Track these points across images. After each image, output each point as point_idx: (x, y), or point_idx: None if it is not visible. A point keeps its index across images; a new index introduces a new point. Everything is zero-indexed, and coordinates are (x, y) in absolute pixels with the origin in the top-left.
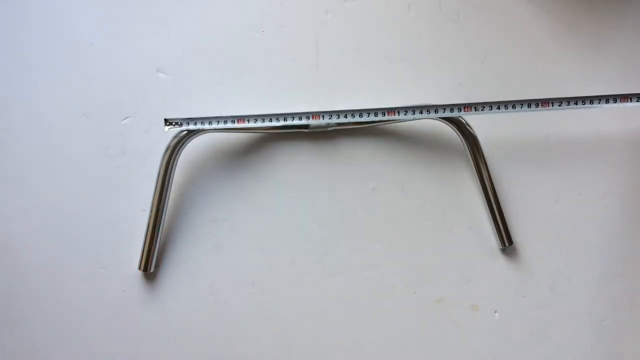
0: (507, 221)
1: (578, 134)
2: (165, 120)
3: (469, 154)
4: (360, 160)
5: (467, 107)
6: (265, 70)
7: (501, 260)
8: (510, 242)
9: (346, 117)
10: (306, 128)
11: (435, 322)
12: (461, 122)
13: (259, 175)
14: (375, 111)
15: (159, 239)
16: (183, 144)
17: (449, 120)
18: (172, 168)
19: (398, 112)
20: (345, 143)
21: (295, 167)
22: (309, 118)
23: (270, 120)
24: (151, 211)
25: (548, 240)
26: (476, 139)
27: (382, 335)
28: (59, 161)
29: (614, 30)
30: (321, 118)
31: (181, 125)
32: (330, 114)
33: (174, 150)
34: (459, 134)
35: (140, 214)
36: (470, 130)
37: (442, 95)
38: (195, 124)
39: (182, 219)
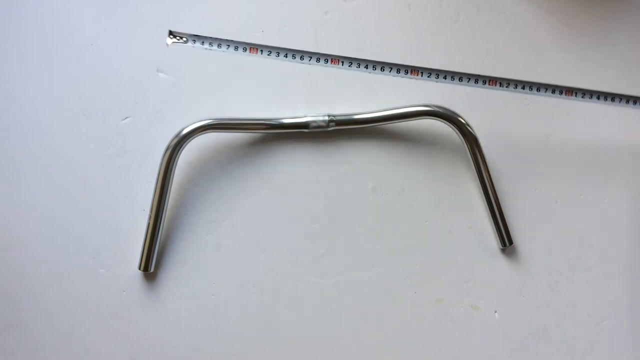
0: (507, 221)
1: (578, 134)
2: (170, 32)
3: (469, 154)
4: (360, 160)
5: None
6: (265, 70)
7: (501, 260)
8: (510, 242)
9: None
10: (306, 128)
11: (435, 322)
12: (461, 122)
13: (259, 175)
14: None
15: (159, 239)
16: (183, 144)
17: (449, 120)
18: (172, 168)
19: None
20: (345, 143)
21: (295, 167)
22: (319, 60)
23: (286, 56)
24: (151, 211)
25: (548, 240)
26: (476, 139)
27: (383, 335)
28: (59, 161)
29: (614, 30)
30: (340, 63)
31: (186, 41)
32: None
33: (174, 150)
34: (459, 134)
35: (140, 214)
36: (470, 130)
37: (442, 95)
38: (203, 43)
39: (182, 219)
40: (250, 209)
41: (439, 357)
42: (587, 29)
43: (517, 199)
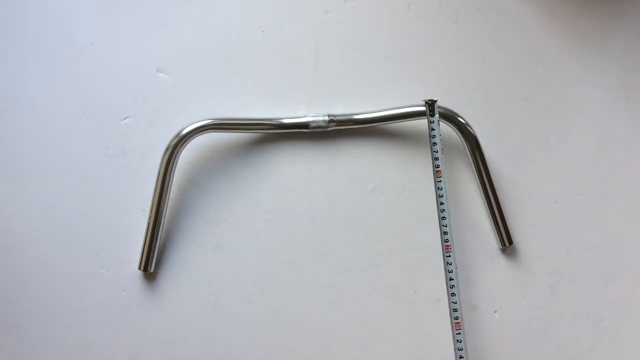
0: (507, 221)
1: (578, 134)
2: None
3: (469, 154)
4: (360, 160)
5: None
6: (265, 70)
7: (501, 260)
8: (510, 242)
9: None
10: (306, 128)
11: (435, 322)
12: (461, 122)
13: (258, 175)
14: None
15: (159, 239)
16: (183, 144)
17: (449, 120)
18: (172, 168)
19: None
20: (345, 143)
21: (295, 167)
22: None
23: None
24: (151, 211)
25: (548, 240)
26: (476, 139)
27: (383, 335)
28: (59, 161)
29: (614, 31)
30: None
31: None
32: None
33: (174, 150)
34: (459, 134)
35: (140, 214)
36: (470, 130)
37: (442, 95)
38: None
39: (182, 219)
40: (250, 209)
41: (439, 357)
42: (586, 29)
43: (517, 199)
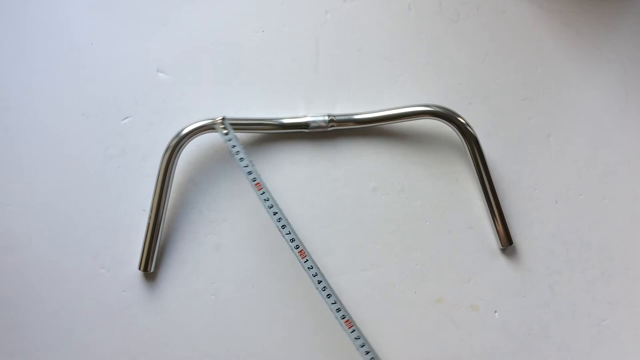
0: (507, 221)
1: (578, 134)
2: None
3: (469, 154)
4: (360, 160)
5: None
6: (265, 70)
7: (501, 260)
8: (510, 242)
9: None
10: (306, 128)
11: (435, 322)
12: (461, 122)
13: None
14: None
15: (159, 239)
16: (183, 144)
17: (449, 120)
18: (172, 168)
19: None
20: (345, 143)
21: (295, 167)
22: None
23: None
24: (151, 211)
25: (548, 240)
26: (476, 139)
27: (383, 335)
28: (59, 161)
29: (614, 30)
30: None
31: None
32: None
33: (174, 150)
34: (459, 134)
35: (140, 214)
36: (470, 130)
37: (442, 95)
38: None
39: (182, 219)
40: (250, 209)
41: (439, 357)
42: (586, 29)
43: (517, 199)
